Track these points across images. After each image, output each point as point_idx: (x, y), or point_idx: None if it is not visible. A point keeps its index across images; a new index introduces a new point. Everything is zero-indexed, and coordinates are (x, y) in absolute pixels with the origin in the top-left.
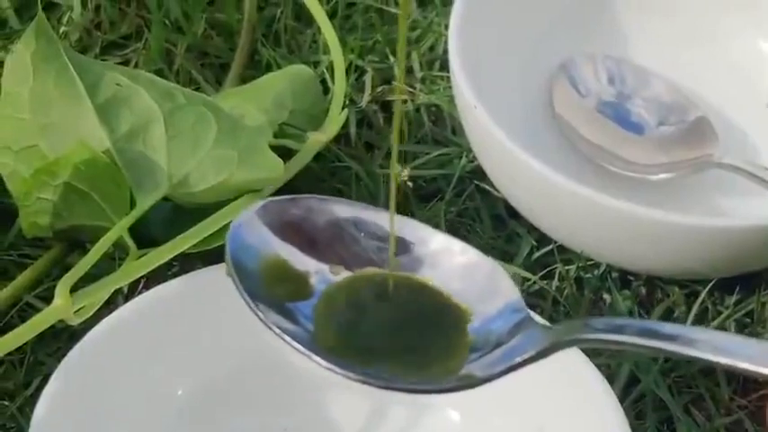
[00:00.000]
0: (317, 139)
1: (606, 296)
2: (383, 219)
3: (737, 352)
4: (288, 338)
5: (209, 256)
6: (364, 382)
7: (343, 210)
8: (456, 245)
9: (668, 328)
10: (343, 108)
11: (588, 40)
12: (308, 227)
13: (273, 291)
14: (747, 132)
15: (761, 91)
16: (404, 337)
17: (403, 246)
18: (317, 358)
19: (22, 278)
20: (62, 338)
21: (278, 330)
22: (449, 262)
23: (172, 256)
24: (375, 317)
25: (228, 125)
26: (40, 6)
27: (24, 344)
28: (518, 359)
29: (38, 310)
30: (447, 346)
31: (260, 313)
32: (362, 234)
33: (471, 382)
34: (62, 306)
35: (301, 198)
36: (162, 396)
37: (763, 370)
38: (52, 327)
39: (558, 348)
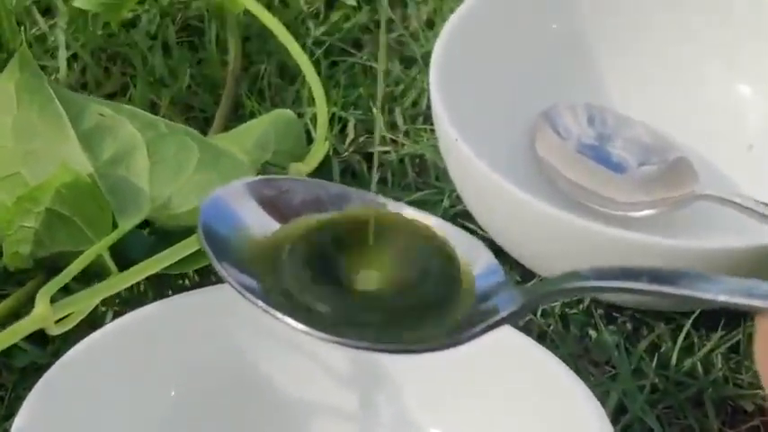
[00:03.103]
0: (299, 169)
1: (592, 332)
2: (362, 196)
3: (742, 290)
4: (261, 303)
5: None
6: (344, 345)
7: (321, 188)
8: (429, 217)
9: (666, 271)
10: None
11: (569, 86)
12: (284, 202)
13: (246, 259)
14: (728, 174)
15: (741, 134)
16: (396, 292)
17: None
18: (291, 321)
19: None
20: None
21: (251, 296)
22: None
23: (152, 272)
24: (358, 266)
25: (211, 152)
26: (24, 37)
27: (6, 381)
28: (497, 317)
29: None
30: (450, 302)
31: (229, 277)
32: (340, 209)
33: (454, 342)
34: (42, 314)
35: (279, 178)
36: (143, 412)
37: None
38: (34, 363)
39: (541, 302)
